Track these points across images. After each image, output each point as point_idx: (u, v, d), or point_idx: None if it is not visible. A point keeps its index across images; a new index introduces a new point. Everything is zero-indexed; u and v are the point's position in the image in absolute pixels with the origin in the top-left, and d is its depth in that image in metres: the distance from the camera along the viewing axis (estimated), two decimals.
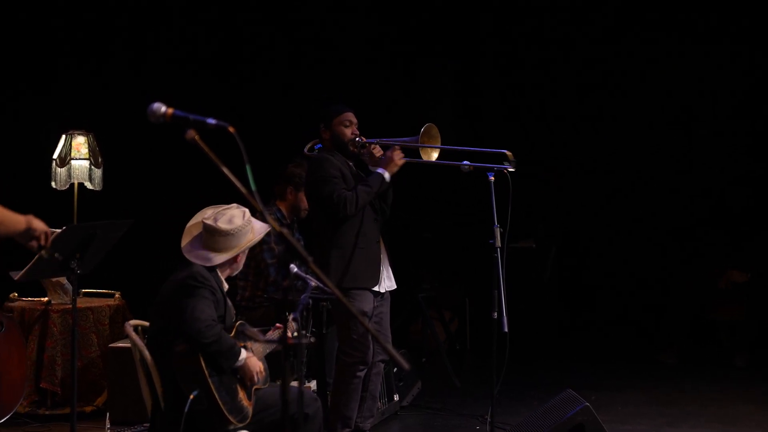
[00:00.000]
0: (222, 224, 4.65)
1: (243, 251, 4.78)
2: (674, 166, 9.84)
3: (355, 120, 5.90)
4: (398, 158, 5.82)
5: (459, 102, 9.42)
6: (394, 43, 9.82)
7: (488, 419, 5.86)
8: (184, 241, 4.73)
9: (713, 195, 9.52)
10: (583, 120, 10.02)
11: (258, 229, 4.79)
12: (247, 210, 4.76)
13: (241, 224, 4.67)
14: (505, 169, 5.63)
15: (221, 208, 4.75)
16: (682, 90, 9.78)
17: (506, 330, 5.46)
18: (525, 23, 10.03)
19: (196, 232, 4.73)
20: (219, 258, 4.66)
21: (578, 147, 9.98)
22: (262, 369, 4.75)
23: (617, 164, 9.94)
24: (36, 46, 8.77)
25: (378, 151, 5.90)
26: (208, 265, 4.65)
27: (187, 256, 4.68)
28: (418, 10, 9.81)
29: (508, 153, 5.68)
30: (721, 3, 9.59)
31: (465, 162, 5.76)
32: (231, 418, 4.51)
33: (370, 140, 5.89)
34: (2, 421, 6.35)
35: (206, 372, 4.46)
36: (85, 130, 7.45)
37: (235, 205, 4.77)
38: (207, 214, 4.72)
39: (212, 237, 4.66)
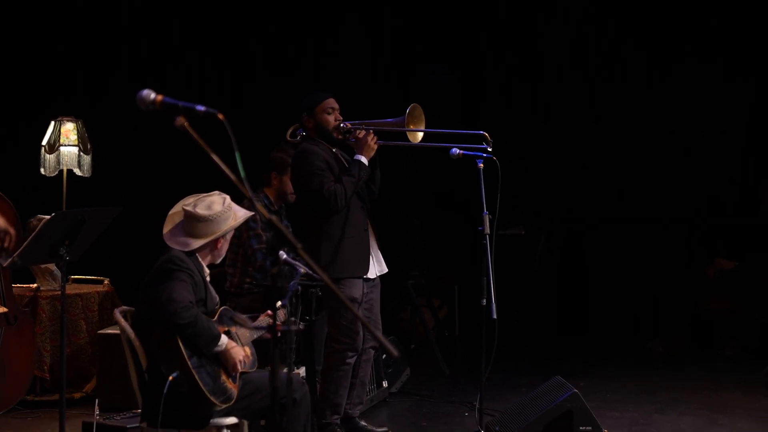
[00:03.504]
0: (201, 210, 4.68)
1: (224, 237, 4.80)
2: (669, 160, 9.83)
3: (337, 106, 5.87)
4: (372, 141, 5.80)
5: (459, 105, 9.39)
6: (393, 49, 9.82)
7: (477, 406, 5.87)
8: (166, 229, 4.76)
9: (707, 188, 9.56)
10: (581, 116, 9.99)
11: (240, 214, 4.81)
12: (227, 197, 4.78)
13: (221, 210, 4.70)
14: (486, 149, 5.66)
15: (202, 196, 4.78)
16: (682, 89, 9.76)
17: (495, 317, 5.47)
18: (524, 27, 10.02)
19: (177, 219, 4.76)
20: (197, 243, 4.70)
21: (575, 141, 9.95)
22: (248, 354, 4.75)
23: (613, 158, 9.92)
24: (33, 43, 8.74)
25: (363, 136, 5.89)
26: (186, 249, 4.67)
27: (167, 242, 4.71)
28: (417, 17, 9.78)
29: (485, 134, 5.70)
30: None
31: (454, 149, 5.75)
32: (213, 399, 4.49)
33: (354, 124, 5.86)
34: (2, 413, 6.33)
35: (185, 354, 4.45)
36: (74, 116, 7.43)
37: (216, 192, 4.79)
38: (188, 202, 4.75)
39: (191, 223, 4.69)
